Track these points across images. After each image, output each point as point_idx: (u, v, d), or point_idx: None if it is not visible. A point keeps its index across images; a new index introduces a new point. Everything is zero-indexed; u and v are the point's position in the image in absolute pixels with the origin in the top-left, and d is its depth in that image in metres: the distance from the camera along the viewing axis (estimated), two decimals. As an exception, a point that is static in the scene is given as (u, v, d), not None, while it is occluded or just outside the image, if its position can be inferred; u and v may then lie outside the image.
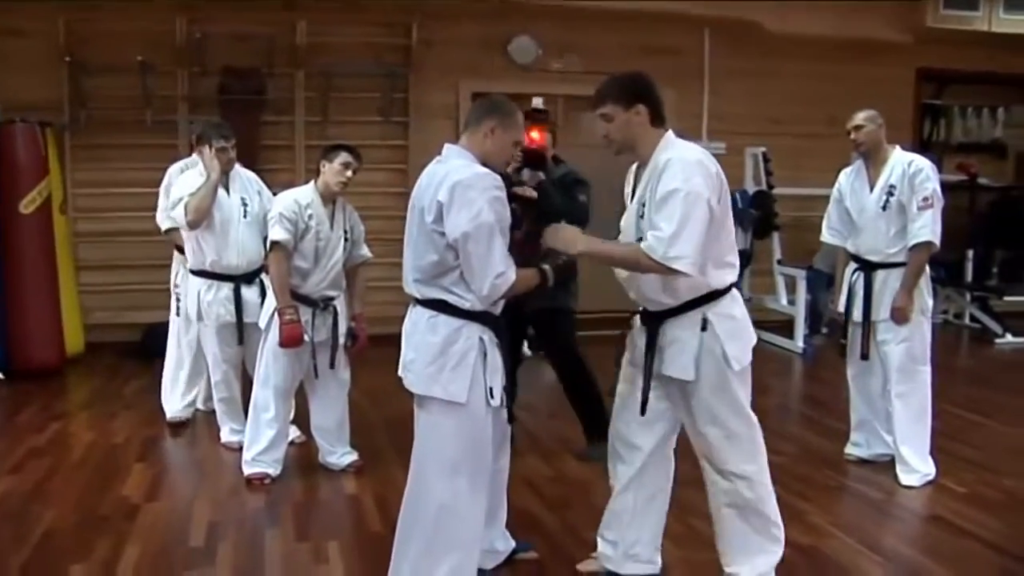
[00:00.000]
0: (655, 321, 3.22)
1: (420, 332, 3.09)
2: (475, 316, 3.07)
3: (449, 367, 3.04)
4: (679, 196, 2.97)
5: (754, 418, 3.26)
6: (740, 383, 3.21)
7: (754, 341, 3.28)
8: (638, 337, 3.33)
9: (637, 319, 3.35)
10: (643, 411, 3.25)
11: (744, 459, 3.24)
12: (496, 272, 2.95)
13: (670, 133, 3.19)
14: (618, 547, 3.48)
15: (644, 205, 3.11)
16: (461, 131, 3.24)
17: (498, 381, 3.12)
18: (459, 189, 2.93)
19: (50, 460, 4.93)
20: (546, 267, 3.16)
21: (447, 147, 3.18)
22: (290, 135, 8.07)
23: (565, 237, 3.17)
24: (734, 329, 3.18)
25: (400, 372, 3.19)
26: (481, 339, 3.07)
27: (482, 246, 2.93)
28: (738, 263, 3.27)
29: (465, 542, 3.14)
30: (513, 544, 3.64)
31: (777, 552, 3.33)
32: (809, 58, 9.04)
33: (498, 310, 3.17)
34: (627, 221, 3.27)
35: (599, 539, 3.55)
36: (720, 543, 3.35)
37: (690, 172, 3.01)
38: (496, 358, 3.12)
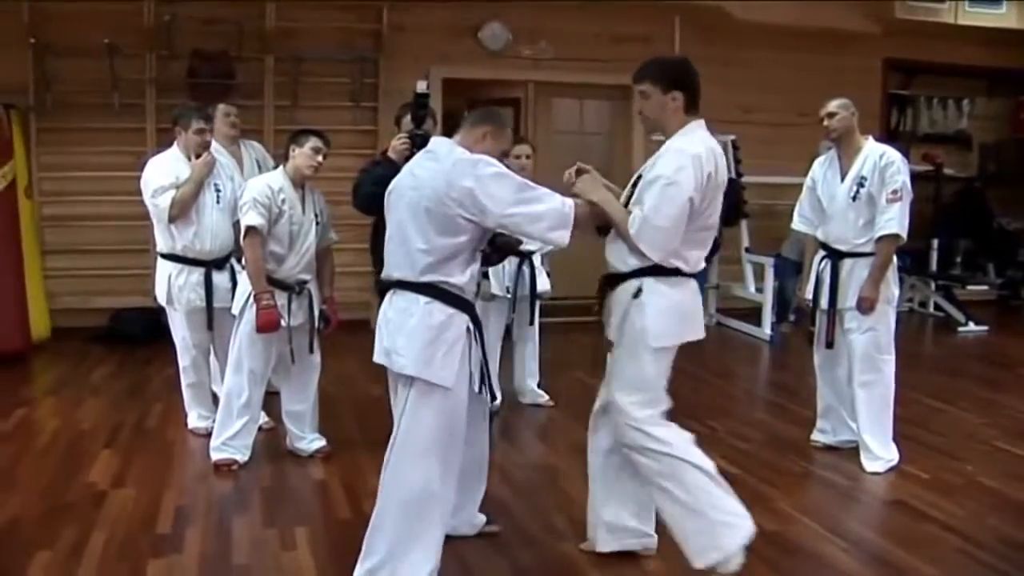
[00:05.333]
0: (608, 284, 3.38)
1: (416, 317, 3.17)
2: (464, 305, 3.20)
3: (441, 353, 3.15)
4: (662, 180, 3.13)
5: (660, 398, 3.29)
6: (654, 362, 3.27)
7: (694, 335, 3.33)
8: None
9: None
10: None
11: (641, 429, 3.27)
12: (561, 200, 3.13)
13: (698, 122, 3.30)
14: (596, 525, 3.58)
15: (640, 178, 3.26)
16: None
17: (478, 369, 3.26)
18: (481, 167, 3.10)
19: (15, 446, 4.90)
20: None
21: (436, 140, 3.38)
22: (259, 120, 7.99)
23: (585, 185, 3.31)
24: (663, 307, 3.25)
25: (382, 357, 3.26)
26: (468, 328, 3.21)
27: (535, 199, 3.10)
28: (693, 261, 3.30)
29: (437, 521, 3.22)
30: (484, 518, 3.80)
31: (736, 536, 3.25)
32: (779, 47, 9.11)
33: (479, 302, 3.34)
34: (625, 194, 3.38)
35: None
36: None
37: (680, 164, 3.14)
38: (478, 347, 3.26)
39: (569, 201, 3.14)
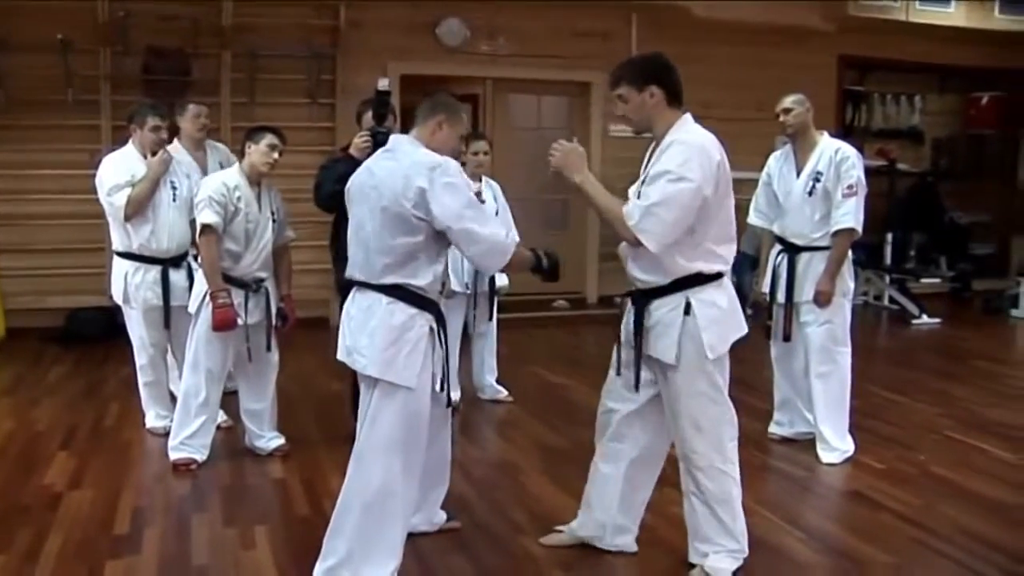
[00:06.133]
0: (643, 300, 3.28)
1: (377, 317, 3.16)
2: (427, 305, 3.19)
3: (404, 353, 3.14)
4: (669, 175, 3.06)
5: (730, 409, 3.33)
6: (717, 371, 3.28)
7: (740, 332, 3.32)
8: (627, 316, 3.37)
9: (629, 300, 3.39)
10: (636, 387, 3.34)
11: (710, 449, 3.29)
12: (506, 231, 3.14)
13: (687, 115, 3.25)
14: (607, 526, 3.59)
15: (644, 183, 3.19)
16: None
17: (441, 369, 3.25)
18: (438, 174, 3.07)
19: (-32, 448, 4.82)
20: (542, 254, 3.29)
21: (395, 138, 3.36)
22: (216, 117, 7.84)
23: (571, 161, 3.22)
24: (716, 316, 3.23)
25: (344, 356, 3.26)
26: (431, 328, 3.19)
27: (479, 220, 3.10)
28: (729, 254, 3.29)
29: (399, 520, 3.22)
30: (445, 516, 3.81)
31: (738, 555, 3.39)
32: (735, 43, 9.18)
33: (442, 301, 3.30)
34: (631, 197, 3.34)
35: (582, 512, 3.64)
36: (689, 528, 3.44)
37: (687, 156, 3.09)
38: (441, 347, 3.24)
39: (514, 236, 3.12)
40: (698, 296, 3.20)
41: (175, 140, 5.18)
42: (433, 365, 3.21)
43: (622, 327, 3.41)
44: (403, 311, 3.15)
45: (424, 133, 3.27)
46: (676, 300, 3.21)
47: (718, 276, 3.26)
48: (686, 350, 3.20)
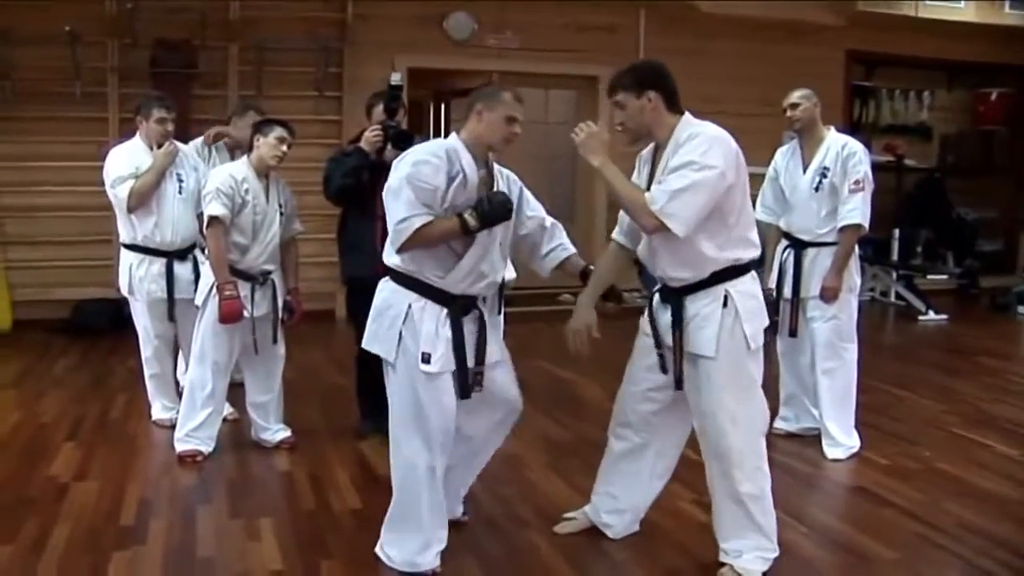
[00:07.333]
0: (676, 297, 3.28)
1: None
2: (412, 285, 3.23)
3: (384, 327, 3.26)
4: (693, 166, 3.07)
5: (763, 401, 3.33)
6: (755, 364, 3.28)
7: (767, 323, 3.33)
8: (660, 314, 3.36)
9: (657, 298, 3.39)
10: (679, 386, 3.33)
11: (746, 445, 3.27)
12: (397, 218, 3.11)
13: (688, 115, 3.25)
14: (625, 515, 3.66)
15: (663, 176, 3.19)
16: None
17: (440, 348, 3.22)
18: (413, 154, 3.19)
19: (-25, 439, 4.84)
20: (466, 215, 3.16)
21: None
22: (222, 109, 7.84)
23: (593, 144, 3.23)
24: (754, 308, 3.24)
25: None
26: (410, 306, 3.22)
27: (391, 195, 3.15)
28: (759, 241, 3.32)
29: (421, 496, 3.27)
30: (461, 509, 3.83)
31: (772, 552, 3.38)
32: (742, 38, 9.17)
33: (454, 286, 3.25)
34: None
35: (601, 498, 3.67)
36: (718, 529, 3.41)
37: (708, 145, 3.11)
38: (428, 325, 3.21)
39: (416, 223, 3.08)
40: (736, 288, 3.21)
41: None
42: (420, 343, 3.19)
43: (650, 326, 3.40)
44: (388, 287, 3.29)
45: (470, 127, 3.27)
46: (714, 293, 3.21)
47: (750, 266, 3.27)
48: (725, 343, 3.19)
